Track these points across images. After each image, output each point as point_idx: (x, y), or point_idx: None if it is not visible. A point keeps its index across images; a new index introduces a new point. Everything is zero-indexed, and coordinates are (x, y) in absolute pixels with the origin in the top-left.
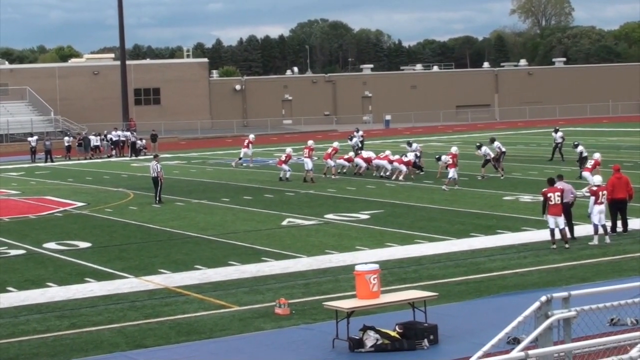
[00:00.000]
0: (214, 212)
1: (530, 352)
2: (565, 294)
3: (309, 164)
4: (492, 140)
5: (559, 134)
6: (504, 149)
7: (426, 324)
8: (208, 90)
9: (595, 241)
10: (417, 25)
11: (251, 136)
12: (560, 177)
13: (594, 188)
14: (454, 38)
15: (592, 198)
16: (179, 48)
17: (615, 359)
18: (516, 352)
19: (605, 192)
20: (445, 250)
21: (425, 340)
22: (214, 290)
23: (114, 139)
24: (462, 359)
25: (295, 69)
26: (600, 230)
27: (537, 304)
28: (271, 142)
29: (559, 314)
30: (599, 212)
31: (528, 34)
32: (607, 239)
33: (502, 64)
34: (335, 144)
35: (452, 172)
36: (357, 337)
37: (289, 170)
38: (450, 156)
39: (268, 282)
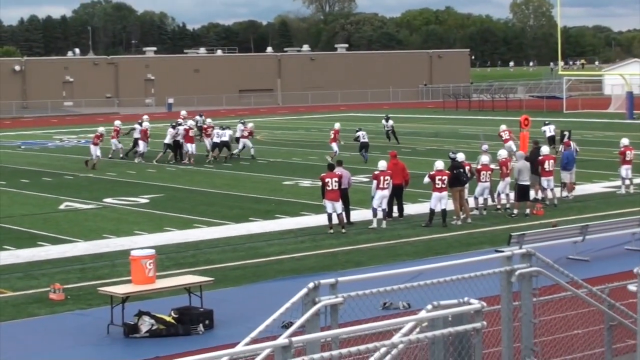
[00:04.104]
0: None
1: (294, 338)
2: (332, 280)
3: (96, 151)
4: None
5: (390, 122)
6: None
7: (202, 309)
8: None
9: (375, 224)
10: (201, 8)
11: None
12: (340, 163)
13: (377, 172)
14: (239, 22)
15: (375, 182)
16: None
17: (377, 344)
18: (281, 339)
19: (388, 177)
20: (224, 235)
21: (201, 325)
22: None
23: None
24: (236, 343)
25: (77, 50)
26: (379, 215)
27: (304, 291)
28: (51, 125)
29: (325, 300)
30: (381, 196)
31: (312, 19)
32: (384, 224)
33: (285, 49)
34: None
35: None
36: (132, 323)
37: (143, 152)
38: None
39: (43, 267)
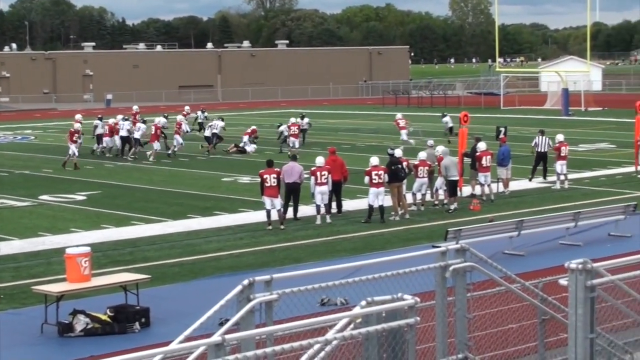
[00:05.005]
0: None
1: (228, 336)
2: (267, 277)
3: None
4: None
5: (305, 119)
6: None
7: (138, 307)
8: None
9: (319, 221)
10: (141, 4)
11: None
12: (295, 158)
13: (314, 168)
14: (179, 18)
15: (313, 178)
16: None
17: (311, 341)
18: (215, 337)
19: (325, 172)
20: (161, 232)
21: (137, 323)
22: None
23: None
24: (172, 341)
25: (14, 45)
26: (322, 211)
27: (239, 288)
28: None
29: (260, 297)
30: (320, 192)
31: (252, 15)
32: (328, 219)
33: (225, 45)
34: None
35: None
36: (66, 322)
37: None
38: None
39: None
